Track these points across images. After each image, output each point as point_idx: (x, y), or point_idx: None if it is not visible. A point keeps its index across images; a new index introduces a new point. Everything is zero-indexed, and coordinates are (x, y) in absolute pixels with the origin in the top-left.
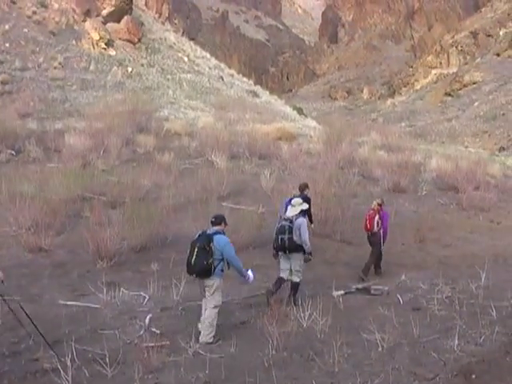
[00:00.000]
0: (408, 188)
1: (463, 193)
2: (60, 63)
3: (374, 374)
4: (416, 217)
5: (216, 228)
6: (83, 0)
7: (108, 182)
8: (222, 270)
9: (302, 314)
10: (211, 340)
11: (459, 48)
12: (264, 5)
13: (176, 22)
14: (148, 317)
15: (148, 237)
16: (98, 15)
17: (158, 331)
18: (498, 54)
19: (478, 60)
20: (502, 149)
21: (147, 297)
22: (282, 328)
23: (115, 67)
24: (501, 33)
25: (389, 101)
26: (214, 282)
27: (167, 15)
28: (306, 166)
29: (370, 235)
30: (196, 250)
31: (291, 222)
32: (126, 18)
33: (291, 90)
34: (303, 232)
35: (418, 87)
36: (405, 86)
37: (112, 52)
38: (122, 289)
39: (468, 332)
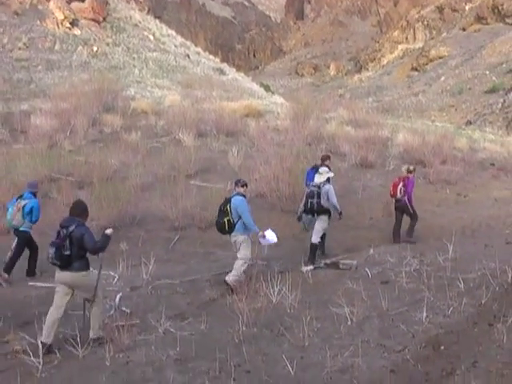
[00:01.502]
0: (375, 163)
1: (430, 167)
2: (24, 44)
3: (343, 347)
4: (384, 191)
5: (237, 190)
6: None
7: (75, 162)
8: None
9: (271, 290)
10: (234, 281)
11: (425, 23)
12: None
13: (141, 0)
14: (118, 296)
15: (116, 216)
16: None
17: (128, 310)
18: (464, 29)
19: (444, 35)
20: (468, 122)
21: (117, 276)
22: (252, 304)
23: (80, 47)
24: (466, 7)
25: (356, 76)
26: (236, 238)
27: None
28: (273, 142)
29: (396, 201)
30: (218, 211)
31: (319, 187)
32: None
33: (258, 67)
34: (331, 196)
35: (385, 62)
36: (371, 62)
37: (77, 31)
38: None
39: (436, 304)
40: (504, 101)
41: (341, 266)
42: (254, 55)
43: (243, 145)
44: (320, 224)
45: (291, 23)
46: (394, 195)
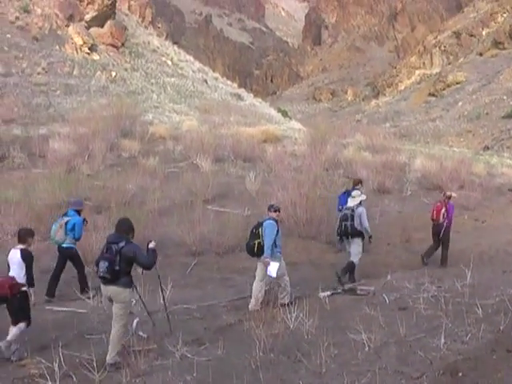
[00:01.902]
0: (393, 188)
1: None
2: (43, 68)
3: (360, 373)
4: (401, 217)
5: (269, 215)
6: (66, 5)
7: (93, 186)
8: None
9: (288, 316)
10: (287, 301)
11: (442, 48)
12: (247, 7)
13: (159, 25)
14: (135, 321)
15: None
16: (81, 20)
17: (145, 335)
18: (481, 54)
19: (461, 60)
20: (486, 148)
21: (134, 301)
22: (269, 330)
23: (99, 72)
24: (483, 32)
25: (373, 102)
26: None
27: (150, 19)
28: (291, 168)
29: (435, 225)
30: (249, 233)
31: (353, 210)
32: (109, 22)
33: (275, 93)
34: (363, 219)
35: (402, 88)
36: (389, 87)
37: (95, 56)
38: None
39: (454, 330)
40: None
41: (358, 292)
42: (272, 80)
43: (261, 170)
44: (355, 247)
45: (308, 49)
46: (436, 219)
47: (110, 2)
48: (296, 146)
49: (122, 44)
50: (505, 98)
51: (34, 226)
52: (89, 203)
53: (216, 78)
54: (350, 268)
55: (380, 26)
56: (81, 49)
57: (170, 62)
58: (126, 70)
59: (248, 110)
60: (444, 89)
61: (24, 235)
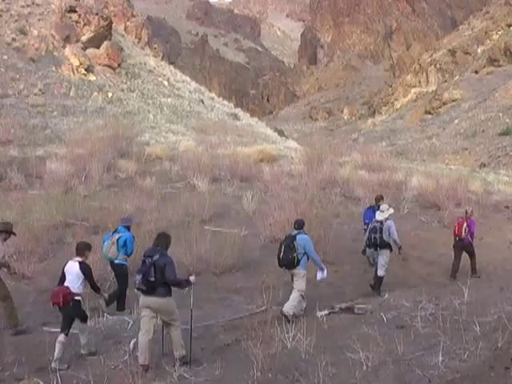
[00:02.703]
0: (390, 207)
1: (445, 210)
2: (40, 90)
3: None
4: (398, 235)
5: (298, 230)
6: (62, 26)
7: (90, 207)
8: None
9: (286, 335)
10: (291, 313)
11: (438, 66)
12: (243, 28)
13: (155, 46)
14: (132, 341)
15: (131, 261)
16: (77, 41)
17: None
18: (477, 72)
19: (457, 78)
20: (482, 165)
21: (131, 321)
22: (267, 349)
23: (95, 93)
24: (478, 50)
25: (369, 120)
26: (299, 272)
27: (147, 40)
28: (287, 187)
29: (458, 240)
30: (283, 247)
31: (381, 223)
32: (105, 43)
33: (272, 112)
34: (392, 232)
35: (398, 106)
36: (385, 106)
37: (92, 77)
38: (106, 314)
39: (452, 348)
40: None
41: (356, 311)
42: (268, 100)
43: (257, 190)
44: (383, 258)
45: (304, 68)
46: (459, 234)
47: (106, 23)
48: (292, 165)
49: (119, 65)
50: (500, 115)
51: (31, 247)
52: (85, 224)
53: (212, 98)
54: (381, 281)
55: (375, 44)
56: (77, 70)
57: (166, 83)
58: (122, 90)
59: (244, 129)
60: (440, 107)
61: (82, 248)
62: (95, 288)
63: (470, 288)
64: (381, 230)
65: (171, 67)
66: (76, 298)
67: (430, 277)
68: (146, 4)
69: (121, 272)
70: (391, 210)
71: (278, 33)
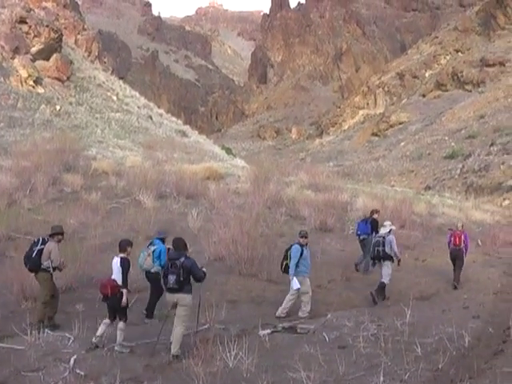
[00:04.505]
0: (335, 227)
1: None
2: None
3: None
4: (342, 255)
5: (298, 240)
6: (12, 37)
7: (34, 220)
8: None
9: (228, 354)
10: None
11: (386, 89)
12: (194, 45)
13: (105, 60)
14: (72, 358)
15: (73, 277)
16: (26, 52)
17: (83, 373)
18: (424, 95)
19: (405, 101)
20: (427, 187)
21: (72, 338)
22: (208, 368)
23: (43, 105)
24: (426, 74)
25: (317, 141)
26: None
27: (97, 54)
28: (233, 205)
29: (457, 250)
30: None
31: (384, 237)
32: (55, 55)
33: (220, 130)
34: (393, 245)
35: (346, 127)
36: (333, 126)
37: (40, 90)
38: (46, 330)
39: (393, 369)
40: (463, 166)
41: (298, 330)
42: (217, 118)
43: (203, 207)
44: (386, 269)
45: (254, 87)
46: (458, 244)
47: (56, 36)
48: (239, 183)
49: (68, 78)
50: (446, 138)
51: None
52: (29, 238)
53: (161, 115)
54: (382, 287)
55: (325, 65)
56: (26, 81)
57: (115, 97)
58: (70, 103)
59: (192, 146)
60: (387, 129)
61: (124, 245)
62: (125, 283)
63: (413, 309)
64: (383, 243)
65: (120, 82)
66: (122, 290)
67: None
68: (98, 18)
69: (158, 279)
70: (393, 227)
71: (229, 51)
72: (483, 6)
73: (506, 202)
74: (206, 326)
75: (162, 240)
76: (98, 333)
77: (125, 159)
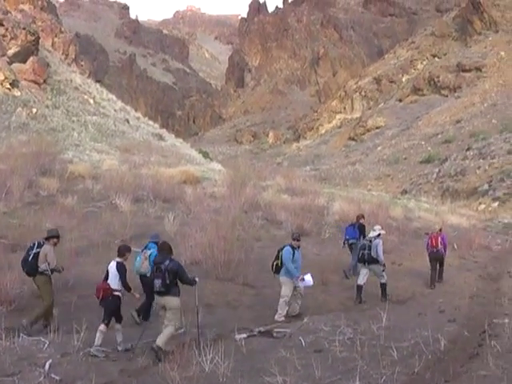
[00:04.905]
0: (311, 231)
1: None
2: None
3: None
4: (319, 259)
5: (291, 242)
6: None
7: (9, 224)
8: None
9: (204, 358)
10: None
11: (363, 93)
12: (171, 48)
13: (82, 63)
14: (48, 363)
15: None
16: (3, 55)
17: (58, 377)
18: (401, 100)
19: (381, 105)
20: (404, 192)
21: (47, 342)
22: (184, 373)
23: (20, 108)
24: (403, 79)
25: (294, 145)
26: (282, 279)
27: (74, 57)
28: (210, 209)
29: (435, 251)
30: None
31: (370, 241)
32: (31, 58)
33: (197, 134)
34: (379, 250)
35: (323, 131)
36: (310, 131)
37: (17, 92)
38: (21, 334)
39: (369, 373)
40: (439, 170)
41: (275, 335)
42: (194, 121)
43: (180, 211)
44: (378, 269)
45: (231, 91)
46: (435, 246)
47: (33, 38)
48: (216, 187)
49: (44, 81)
50: (423, 143)
51: None
52: (4, 241)
53: (138, 118)
54: (384, 287)
55: (302, 70)
56: (2, 84)
57: (91, 101)
58: (47, 106)
59: (169, 150)
60: (364, 133)
61: (123, 251)
62: (126, 287)
63: (389, 313)
64: (369, 247)
65: (97, 85)
66: (115, 293)
67: (350, 301)
68: (75, 21)
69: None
70: (382, 231)
71: (207, 55)
72: (460, 11)
73: (482, 206)
74: (182, 330)
75: (157, 243)
76: (96, 342)
77: (101, 163)
